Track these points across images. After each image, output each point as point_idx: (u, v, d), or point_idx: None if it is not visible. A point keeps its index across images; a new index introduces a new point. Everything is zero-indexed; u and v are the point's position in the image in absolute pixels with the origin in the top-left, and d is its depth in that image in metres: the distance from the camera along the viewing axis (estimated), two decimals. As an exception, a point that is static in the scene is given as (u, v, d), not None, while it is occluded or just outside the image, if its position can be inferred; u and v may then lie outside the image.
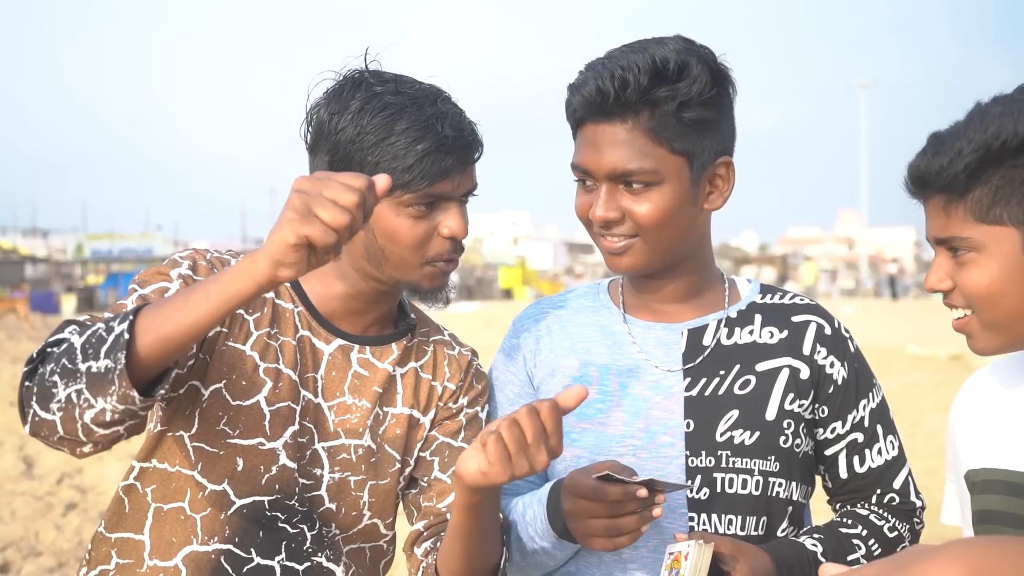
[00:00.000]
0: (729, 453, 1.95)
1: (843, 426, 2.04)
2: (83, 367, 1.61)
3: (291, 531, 1.92)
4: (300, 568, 1.92)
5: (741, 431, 1.96)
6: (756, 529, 1.96)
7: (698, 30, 2.00)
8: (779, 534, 1.98)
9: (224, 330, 1.90)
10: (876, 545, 2.01)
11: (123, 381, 1.57)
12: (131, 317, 1.60)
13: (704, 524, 1.94)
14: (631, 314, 2.09)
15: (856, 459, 2.05)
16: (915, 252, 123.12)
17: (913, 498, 2.08)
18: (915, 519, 2.08)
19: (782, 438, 1.97)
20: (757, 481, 1.96)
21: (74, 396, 1.61)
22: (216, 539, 1.89)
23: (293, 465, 1.91)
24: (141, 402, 1.60)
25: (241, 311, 1.92)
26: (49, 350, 1.70)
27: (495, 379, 2.15)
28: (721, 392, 1.98)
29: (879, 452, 2.06)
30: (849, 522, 2.03)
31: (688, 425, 1.97)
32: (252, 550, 1.89)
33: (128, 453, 8.32)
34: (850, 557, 1.96)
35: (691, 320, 2.05)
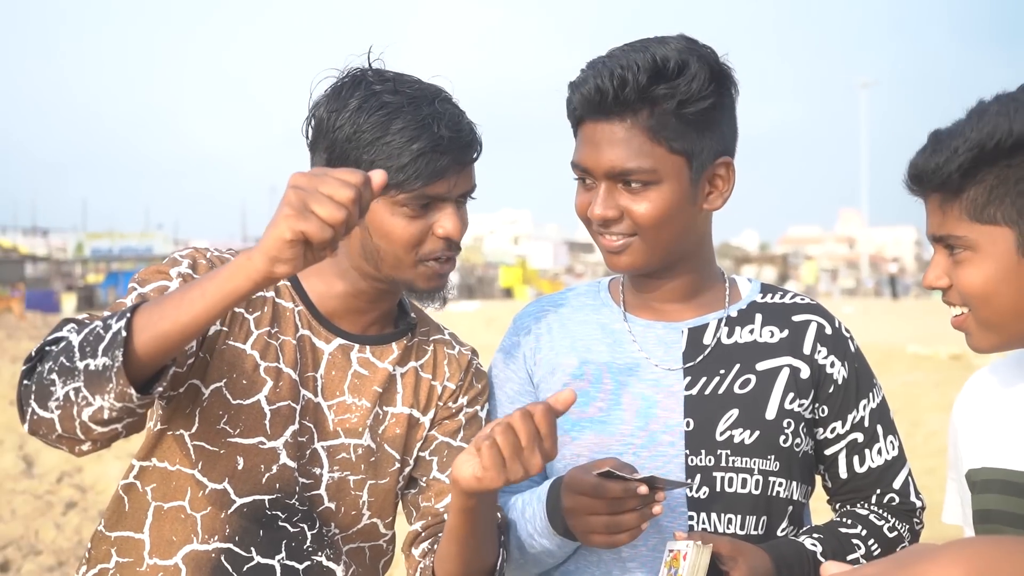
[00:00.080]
0: (729, 452, 1.95)
1: (843, 426, 2.04)
2: (81, 365, 1.61)
3: (291, 530, 1.92)
4: (300, 567, 1.92)
5: (741, 430, 1.96)
6: (756, 528, 1.96)
7: (699, 30, 2.00)
8: (779, 533, 1.98)
9: (224, 329, 1.90)
10: (876, 545, 2.01)
11: (121, 379, 1.57)
12: (129, 315, 1.60)
13: (704, 523, 1.94)
14: (631, 312, 2.08)
15: (856, 459, 2.05)
16: (916, 251, 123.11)
17: (913, 498, 2.08)
18: (915, 519, 2.08)
19: (782, 437, 1.97)
20: (757, 480, 1.95)
21: (72, 394, 1.61)
22: (216, 538, 1.89)
23: (293, 464, 1.91)
24: (139, 400, 1.60)
25: (241, 310, 1.92)
26: (47, 348, 1.70)
27: (495, 377, 2.15)
28: (721, 391, 1.98)
29: (879, 452, 2.06)
30: (849, 522, 2.03)
31: (688, 424, 1.96)
32: (252, 549, 1.89)
33: (128, 452, 8.32)
34: (849, 557, 1.96)
35: (691, 319, 2.05)
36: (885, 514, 2.05)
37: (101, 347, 1.60)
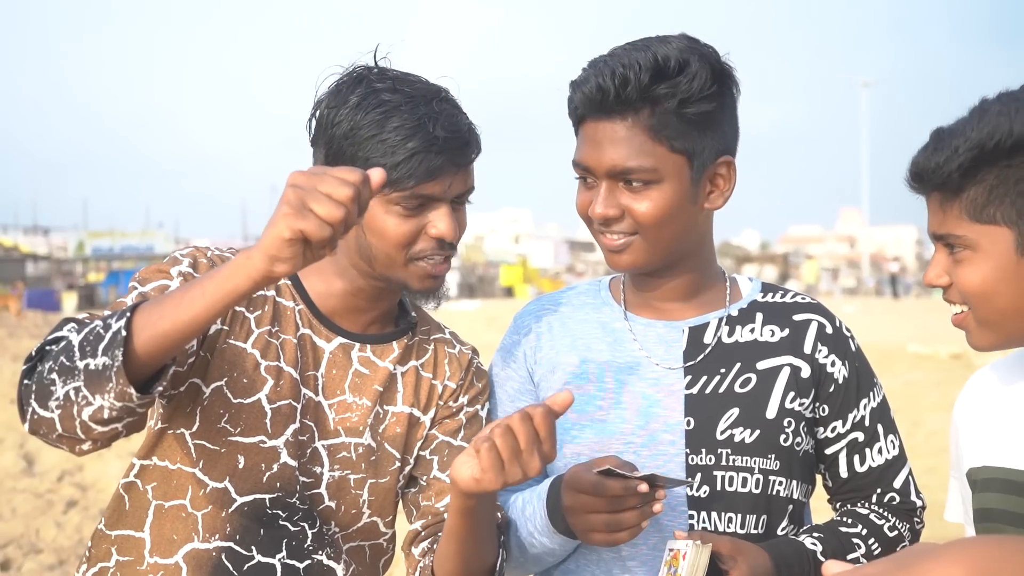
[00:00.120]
0: (729, 451, 1.95)
1: (844, 425, 2.04)
2: (81, 364, 1.61)
3: (292, 529, 1.92)
4: (301, 566, 1.92)
5: (741, 429, 1.96)
6: (756, 527, 1.96)
7: (700, 29, 2.00)
8: (779, 533, 1.98)
9: (225, 328, 1.90)
10: (876, 544, 2.00)
11: (120, 378, 1.57)
12: (128, 314, 1.60)
13: (704, 522, 1.94)
14: (632, 311, 2.08)
15: (856, 458, 2.05)
16: (917, 251, 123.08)
17: (913, 497, 2.08)
18: (915, 518, 2.08)
19: (782, 436, 1.97)
20: (757, 479, 1.95)
21: (72, 394, 1.61)
22: (217, 536, 1.89)
23: (294, 463, 1.91)
24: (138, 399, 1.60)
25: (242, 309, 1.92)
26: (48, 348, 1.70)
27: (495, 376, 2.15)
28: (722, 390, 1.98)
29: (880, 451, 2.06)
30: (849, 521, 2.03)
31: (688, 423, 1.96)
32: (253, 548, 1.90)
33: (129, 451, 8.33)
34: (850, 556, 1.96)
35: (692, 318, 2.05)
36: (886, 513, 2.05)
37: (101, 347, 1.60)
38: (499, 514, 1.96)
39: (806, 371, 2.01)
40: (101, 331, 1.61)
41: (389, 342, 2.03)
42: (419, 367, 2.05)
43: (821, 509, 2.05)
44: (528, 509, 1.96)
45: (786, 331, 2.04)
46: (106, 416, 1.62)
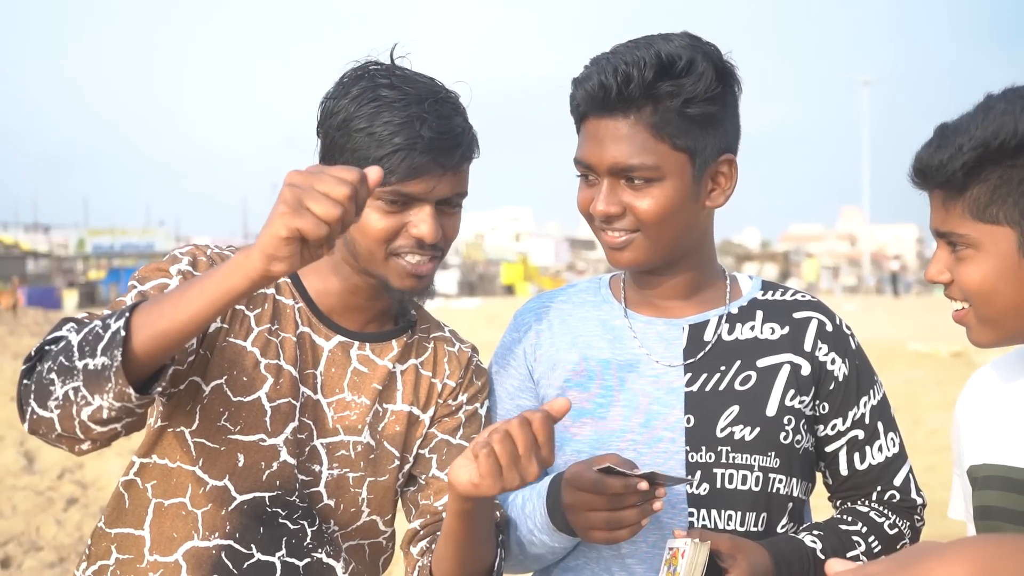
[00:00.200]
0: (729, 449, 1.95)
1: (844, 423, 2.04)
2: (80, 364, 1.61)
3: (291, 527, 1.92)
4: (300, 564, 1.92)
5: (741, 427, 1.96)
6: (756, 525, 1.96)
7: (701, 28, 2.00)
8: (779, 530, 1.98)
9: (225, 326, 1.90)
10: (876, 542, 2.00)
11: (119, 378, 1.57)
12: (128, 314, 1.60)
13: (704, 520, 1.94)
14: (632, 309, 2.08)
15: (857, 456, 2.05)
16: (917, 249, 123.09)
17: (914, 495, 2.08)
18: (916, 516, 2.08)
19: (782, 434, 1.97)
20: (757, 477, 1.95)
21: (71, 393, 1.61)
22: (217, 535, 1.89)
23: (293, 461, 1.91)
24: (137, 400, 1.60)
25: (242, 307, 1.92)
26: (47, 348, 1.70)
27: (495, 373, 2.15)
28: (722, 388, 1.98)
29: (880, 449, 2.06)
30: (849, 519, 2.03)
31: (688, 420, 1.96)
32: (253, 546, 1.90)
33: (129, 449, 8.32)
34: (850, 554, 1.96)
35: (692, 316, 2.05)
36: (886, 511, 2.05)
37: (100, 346, 1.59)
38: (498, 513, 1.96)
39: (806, 369, 2.01)
40: (100, 331, 1.61)
41: (388, 340, 2.03)
42: (418, 365, 2.05)
43: (821, 507, 2.05)
44: (528, 507, 1.96)
45: (786, 329, 2.04)
46: (105, 416, 1.62)
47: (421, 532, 2.01)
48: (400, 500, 2.07)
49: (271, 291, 1.96)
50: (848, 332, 2.09)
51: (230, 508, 1.89)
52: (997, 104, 1.62)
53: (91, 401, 1.60)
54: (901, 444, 2.10)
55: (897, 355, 17.79)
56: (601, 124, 1.92)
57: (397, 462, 2.01)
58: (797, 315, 2.06)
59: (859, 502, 2.08)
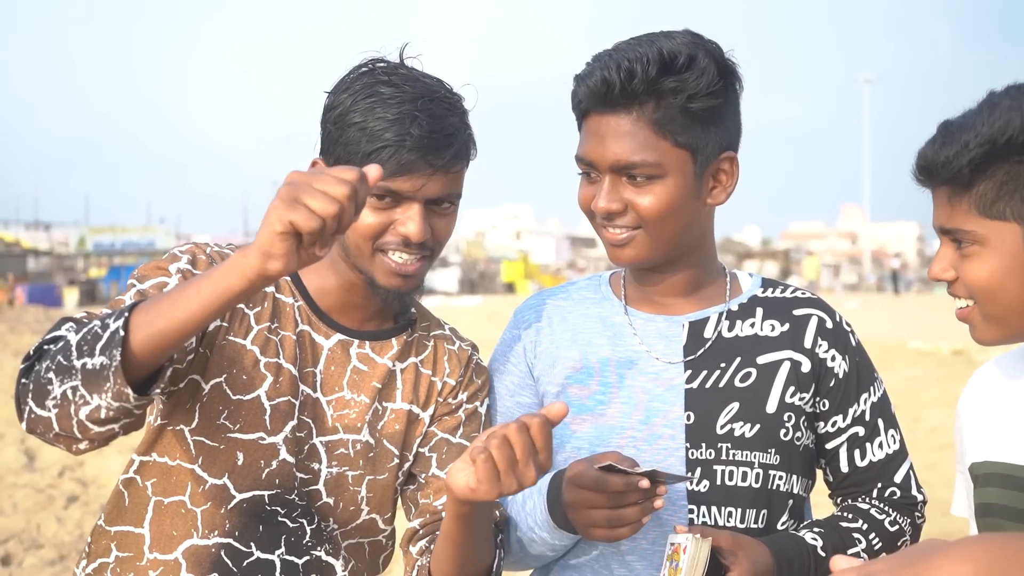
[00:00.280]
0: (729, 446, 1.95)
1: (844, 420, 2.04)
2: (78, 364, 1.60)
3: (291, 525, 1.92)
4: (299, 562, 1.92)
5: (741, 424, 1.96)
6: (756, 522, 1.96)
7: (703, 25, 2.00)
8: (779, 527, 1.98)
9: (224, 324, 1.90)
10: (877, 539, 2.00)
11: (118, 378, 1.57)
12: (127, 314, 1.60)
13: (704, 517, 1.93)
14: (632, 306, 2.08)
15: (857, 453, 2.05)
16: (918, 247, 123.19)
17: (914, 492, 2.08)
18: (916, 513, 2.08)
19: (782, 431, 1.97)
20: (757, 474, 1.95)
21: (69, 393, 1.61)
22: (216, 533, 1.88)
23: (292, 460, 1.91)
24: (136, 400, 1.60)
25: (241, 305, 1.92)
26: (45, 348, 1.70)
27: (495, 370, 2.15)
28: (722, 385, 1.98)
29: (880, 446, 2.05)
30: (850, 516, 2.03)
31: (688, 417, 1.96)
32: (252, 544, 1.89)
33: (129, 446, 8.32)
34: (850, 551, 1.96)
35: (692, 313, 2.05)
36: (886, 508, 2.05)
37: (99, 346, 1.59)
38: (497, 512, 1.96)
39: (806, 365, 2.01)
40: (99, 331, 1.61)
41: (388, 338, 2.03)
42: (418, 364, 2.05)
43: (822, 504, 2.05)
44: (528, 504, 1.96)
45: (786, 326, 2.04)
46: (103, 416, 1.62)
47: (420, 531, 2.00)
48: (400, 499, 2.06)
49: (271, 289, 1.96)
50: (848, 329, 2.08)
51: (229, 506, 1.89)
52: (1002, 100, 1.62)
53: (89, 401, 1.60)
54: (902, 441, 2.10)
55: (897, 353, 17.79)
56: (603, 121, 1.92)
57: (396, 460, 2.01)
58: (797, 312, 2.06)
59: (860, 499, 2.08)
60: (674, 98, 1.88)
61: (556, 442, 1.98)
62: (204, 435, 1.89)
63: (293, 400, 1.92)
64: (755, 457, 1.95)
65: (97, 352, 1.59)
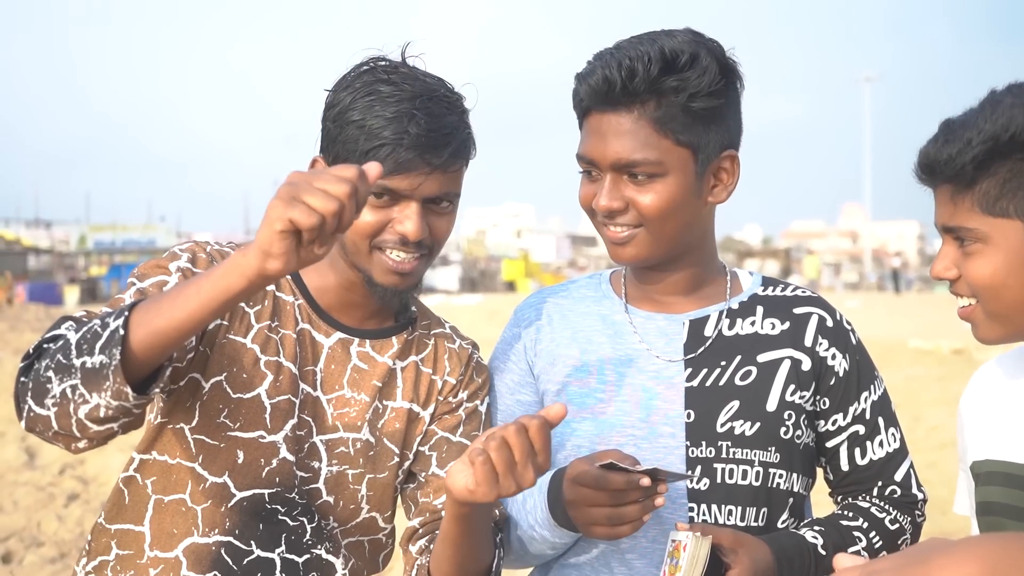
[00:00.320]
0: (729, 444, 1.95)
1: (844, 418, 2.04)
2: (78, 363, 1.60)
3: (291, 524, 1.92)
4: (300, 560, 1.92)
5: (742, 422, 1.96)
6: (756, 520, 1.96)
7: (703, 23, 2.00)
8: (779, 525, 1.98)
9: (225, 323, 1.90)
10: (877, 537, 2.00)
11: (118, 377, 1.56)
12: (126, 313, 1.60)
13: (704, 515, 1.94)
14: (633, 304, 2.08)
15: (857, 451, 2.05)
16: (919, 246, 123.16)
17: (915, 490, 2.08)
18: (916, 511, 2.08)
19: (783, 429, 1.97)
20: (757, 472, 1.95)
21: (69, 391, 1.61)
22: (216, 531, 1.88)
23: (292, 458, 1.91)
24: (135, 399, 1.60)
25: (242, 303, 1.92)
26: (45, 346, 1.70)
27: (495, 368, 2.15)
28: (722, 383, 1.98)
29: (880, 444, 2.05)
30: (850, 514, 2.03)
31: (688, 415, 1.96)
32: (252, 542, 1.89)
33: (130, 444, 8.32)
34: (851, 550, 1.96)
35: (693, 311, 2.05)
36: (887, 506, 2.05)
37: (99, 345, 1.59)
38: (497, 511, 1.96)
39: (807, 364, 2.01)
40: (99, 329, 1.61)
41: (388, 337, 2.03)
42: (419, 362, 2.05)
43: (822, 503, 2.05)
44: (529, 502, 1.96)
45: (787, 324, 2.04)
46: (102, 415, 1.61)
47: (420, 530, 2.00)
48: (400, 497, 2.06)
49: (271, 288, 1.96)
50: (849, 327, 2.08)
51: (229, 504, 1.89)
52: (1004, 98, 1.62)
53: (89, 399, 1.60)
54: (902, 439, 2.10)
55: (898, 352, 17.78)
56: (604, 119, 1.92)
57: (396, 459, 2.01)
58: (798, 311, 2.06)
59: (860, 497, 2.08)
60: (676, 97, 1.88)
61: (556, 440, 1.99)
62: (204, 433, 1.89)
63: (293, 398, 1.92)
64: (755, 455, 1.95)
65: (97, 351, 1.58)
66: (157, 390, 1.65)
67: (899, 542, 2.03)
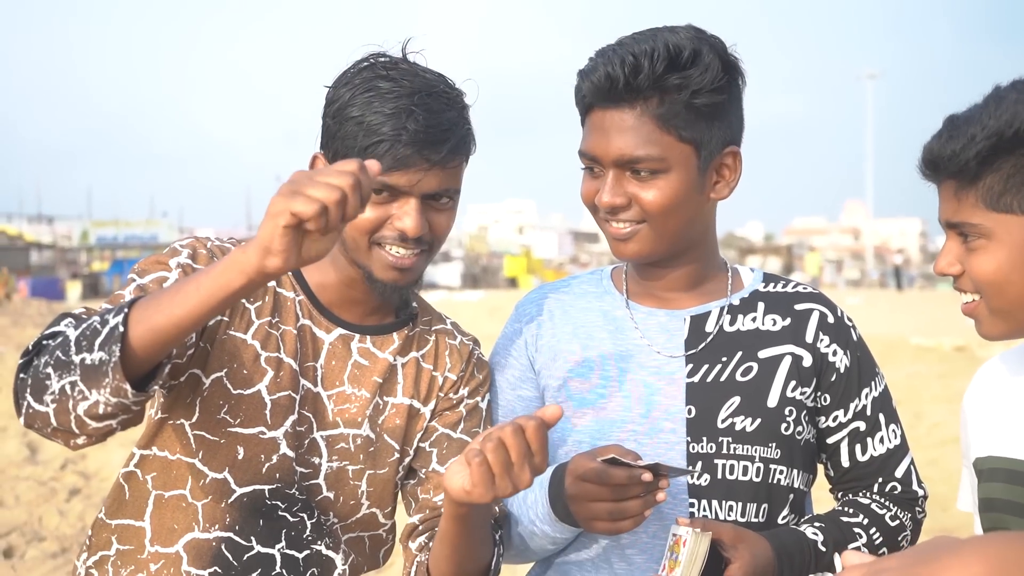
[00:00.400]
0: (730, 440, 1.95)
1: (845, 414, 2.04)
2: (77, 359, 1.60)
3: (291, 519, 1.92)
4: (300, 556, 1.92)
5: (742, 418, 1.96)
6: (756, 516, 1.96)
7: (705, 20, 2.00)
8: (780, 522, 1.98)
9: (225, 319, 1.90)
10: (877, 534, 2.00)
11: (117, 374, 1.56)
12: (126, 310, 1.60)
13: (704, 510, 1.94)
14: (634, 300, 2.08)
15: (858, 447, 2.05)
16: (921, 243, 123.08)
17: (915, 487, 2.08)
18: (917, 508, 2.08)
19: (783, 425, 1.97)
20: (758, 468, 1.95)
21: (68, 388, 1.61)
22: (217, 527, 1.89)
23: (292, 454, 1.91)
24: (134, 396, 1.60)
25: (243, 299, 1.91)
26: (44, 343, 1.69)
27: (496, 363, 2.15)
28: (723, 379, 1.98)
29: (881, 441, 2.05)
30: (850, 511, 2.03)
31: (689, 411, 1.96)
32: (252, 538, 1.90)
33: (131, 440, 8.31)
34: (851, 546, 1.96)
35: (694, 307, 2.05)
36: (887, 503, 2.05)
37: (98, 342, 1.59)
38: (496, 508, 1.96)
39: (808, 360, 2.01)
40: (98, 326, 1.61)
41: (389, 333, 2.03)
42: (420, 358, 2.05)
43: (823, 499, 2.05)
44: (530, 497, 1.96)
45: (788, 320, 2.04)
46: (101, 411, 1.61)
47: (420, 527, 2.00)
48: (400, 493, 2.07)
49: (272, 284, 1.96)
50: (849, 324, 2.08)
51: (230, 500, 1.89)
52: (1009, 94, 1.62)
53: (88, 396, 1.60)
54: (902, 436, 2.10)
55: (900, 349, 17.77)
56: (607, 115, 1.92)
57: (397, 455, 2.01)
58: (799, 307, 2.06)
59: (860, 494, 2.08)
60: (679, 93, 1.88)
61: (557, 436, 1.99)
62: (204, 429, 1.89)
63: (294, 394, 1.92)
64: (756, 451, 1.95)
65: (96, 348, 1.58)
66: (156, 387, 1.65)
67: (899, 539, 2.03)
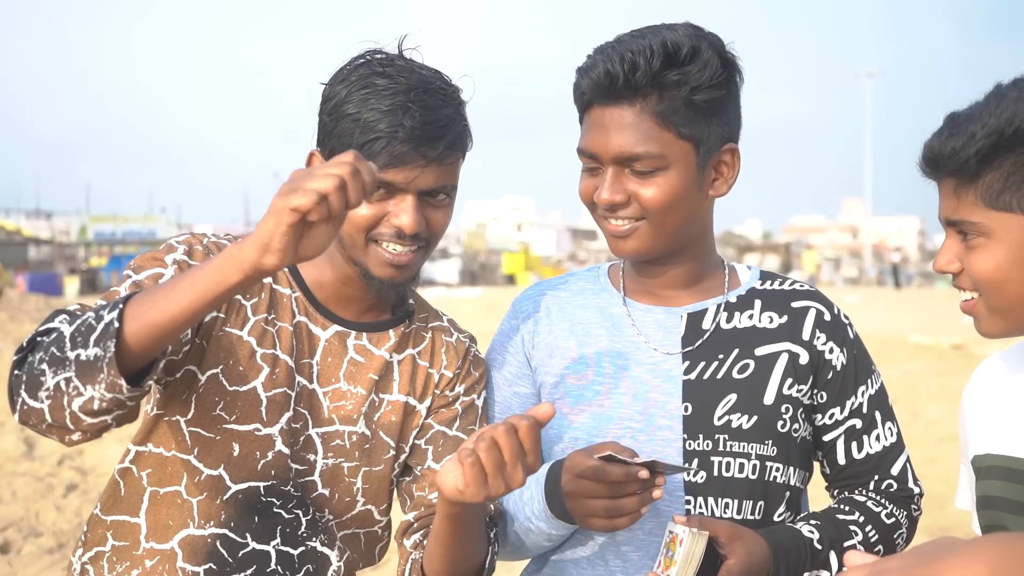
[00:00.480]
0: (726, 437, 1.95)
1: (841, 412, 2.04)
2: (72, 355, 1.60)
3: (286, 516, 1.92)
4: (295, 553, 1.92)
5: (739, 415, 1.95)
6: (753, 513, 1.96)
7: (703, 18, 2.00)
8: (776, 519, 1.98)
9: (221, 315, 1.89)
10: (873, 531, 2.00)
11: (112, 369, 1.56)
12: (121, 305, 1.59)
13: (700, 507, 1.94)
14: (631, 297, 2.08)
15: (854, 445, 2.05)
16: (919, 241, 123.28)
17: (911, 485, 2.08)
18: (913, 506, 2.08)
19: (780, 423, 1.97)
20: (754, 465, 1.95)
21: (63, 384, 1.60)
22: (212, 523, 1.88)
23: (287, 451, 1.91)
24: (129, 391, 1.59)
25: (238, 296, 1.91)
26: (39, 339, 1.69)
27: (493, 360, 2.15)
28: (720, 376, 1.98)
29: (877, 438, 2.05)
30: (846, 508, 2.03)
31: (686, 408, 1.96)
32: (247, 535, 1.89)
33: (128, 435, 8.32)
34: (847, 543, 1.96)
35: (691, 304, 2.05)
36: (883, 500, 2.05)
37: (93, 337, 1.58)
38: (491, 505, 1.96)
39: (804, 358, 2.01)
40: (93, 322, 1.60)
41: (386, 330, 2.02)
42: (416, 355, 2.04)
43: (819, 496, 2.05)
44: (526, 494, 1.96)
45: (784, 318, 2.04)
46: (96, 407, 1.61)
47: (415, 524, 2.00)
48: (395, 490, 2.06)
49: (268, 280, 1.95)
50: (846, 322, 2.08)
51: (225, 497, 1.89)
52: (1009, 92, 1.62)
53: (83, 392, 1.59)
54: (899, 434, 2.10)
55: (897, 347, 17.80)
56: (606, 113, 1.92)
57: (392, 452, 2.00)
58: (795, 304, 2.06)
59: (857, 492, 2.08)
60: (677, 90, 1.88)
61: (554, 432, 1.99)
62: (200, 426, 1.88)
63: (289, 391, 1.91)
64: (752, 449, 1.95)
65: (91, 343, 1.58)
66: (151, 382, 1.65)
67: (895, 536, 2.03)
